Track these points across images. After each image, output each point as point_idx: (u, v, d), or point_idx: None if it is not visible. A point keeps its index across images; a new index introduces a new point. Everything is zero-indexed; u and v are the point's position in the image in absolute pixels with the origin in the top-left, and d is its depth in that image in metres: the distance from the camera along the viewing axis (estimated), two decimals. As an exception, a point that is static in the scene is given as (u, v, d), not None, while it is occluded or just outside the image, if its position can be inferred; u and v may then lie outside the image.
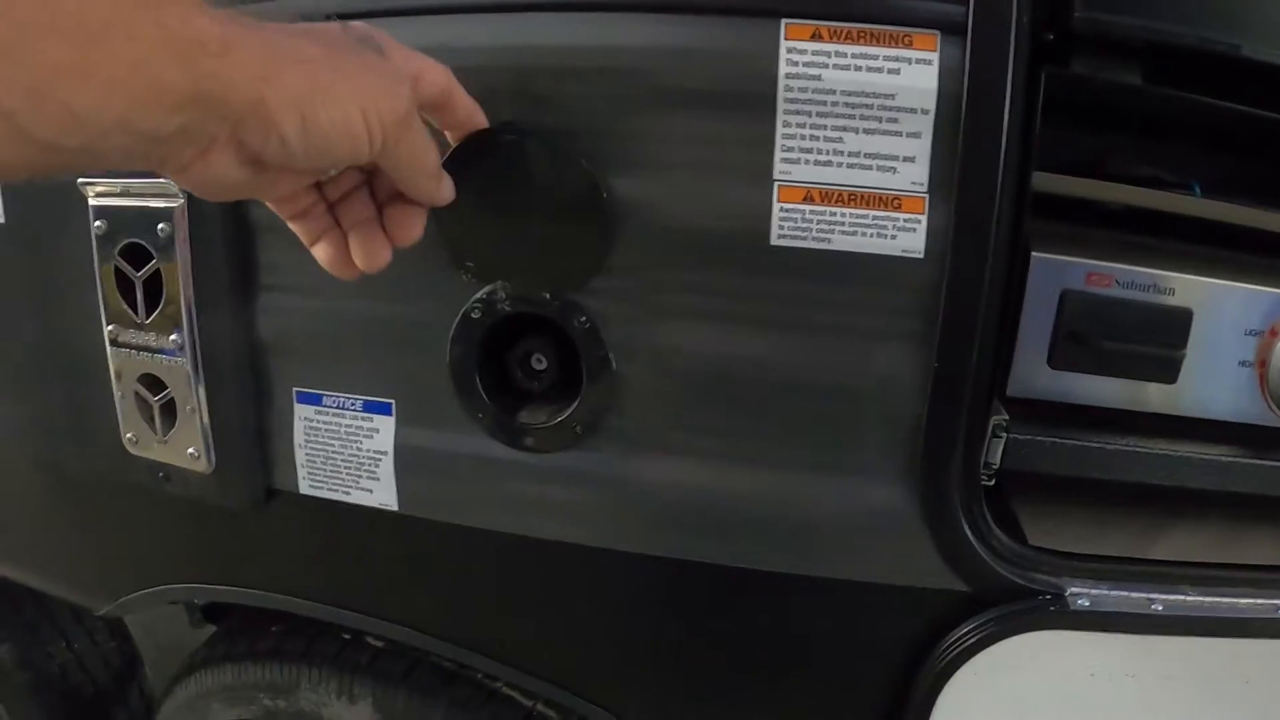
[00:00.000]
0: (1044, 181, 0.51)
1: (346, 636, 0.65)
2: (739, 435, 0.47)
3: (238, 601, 0.62)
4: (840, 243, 0.43)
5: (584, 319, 0.47)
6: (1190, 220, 0.53)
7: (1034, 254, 0.48)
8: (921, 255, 0.42)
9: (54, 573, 0.71)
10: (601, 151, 0.44)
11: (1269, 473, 0.53)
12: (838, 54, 0.42)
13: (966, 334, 0.43)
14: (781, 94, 0.42)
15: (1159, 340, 0.49)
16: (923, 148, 0.42)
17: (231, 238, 0.51)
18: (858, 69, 0.42)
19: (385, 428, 0.52)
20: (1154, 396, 0.51)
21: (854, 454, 0.46)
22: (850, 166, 0.43)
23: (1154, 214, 0.52)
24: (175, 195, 0.51)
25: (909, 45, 0.41)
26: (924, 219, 0.42)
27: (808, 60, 0.42)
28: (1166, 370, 0.50)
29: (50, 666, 0.81)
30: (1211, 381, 0.51)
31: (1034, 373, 0.50)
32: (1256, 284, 0.51)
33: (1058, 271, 0.48)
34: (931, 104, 0.41)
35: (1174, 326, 0.49)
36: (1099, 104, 0.53)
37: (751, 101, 0.42)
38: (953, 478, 0.45)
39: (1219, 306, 0.50)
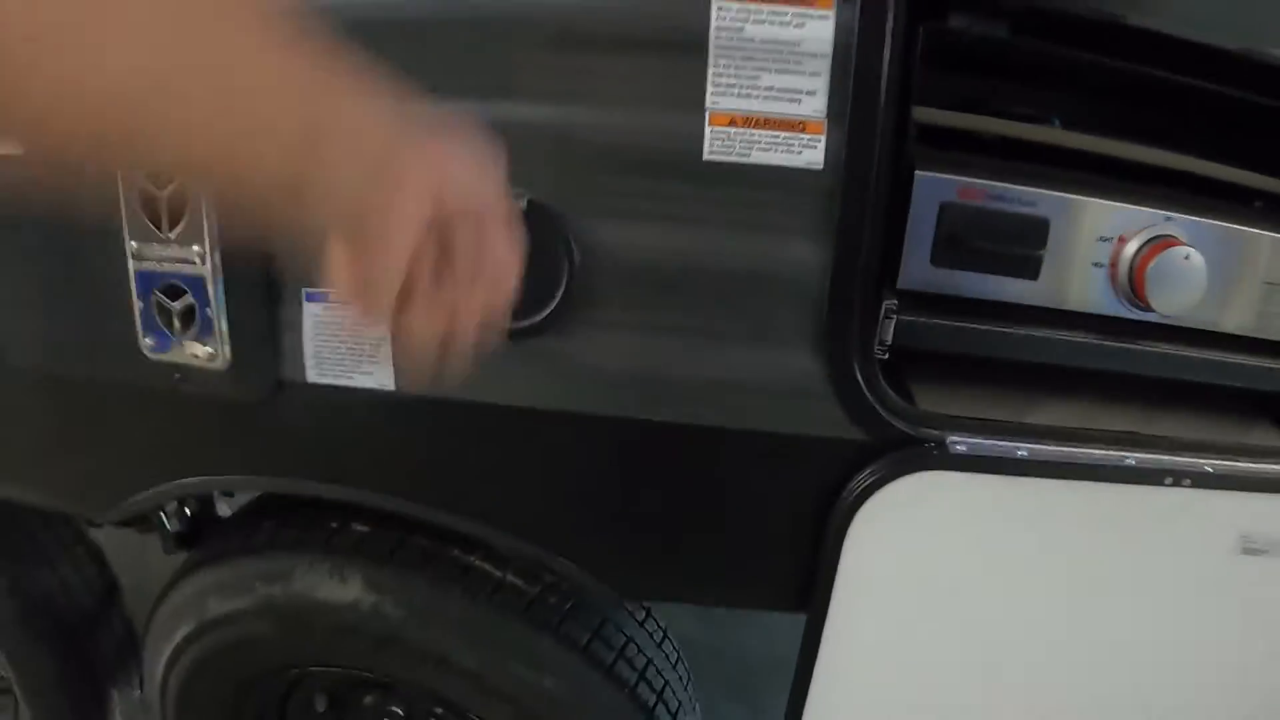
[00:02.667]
0: (933, 116, 0.76)
1: (335, 525, 0.88)
2: (679, 315, 0.71)
3: (247, 490, 0.84)
4: (757, 157, 0.68)
5: (558, 220, 0.71)
6: (1054, 148, 0.79)
7: (917, 172, 0.73)
8: (821, 167, 0.67)
9: (60, 485, 0.93)
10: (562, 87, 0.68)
11: (1120, 353, 0.79)
12: (756, 11, 0.66)
13: (857, 231, 0.68)
14: (713, 42, 0.66)
15: (1021, 243, 0.75)
16: (822, 84, 0.66)
17: None
18: (772, 23, 0.66)
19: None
20: (1023, 291, 0.77)
21: (773, 328, 0.71)
22: (765, 98, 0.67)
23: (1024, 143, 0.78)
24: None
25: (812, 4, 0.66)
26: (823, 139, 0.67)
27: (733, 16, 0.66)
28: (1028, 268, 0.75)
29: (37, 593, 1.02)
30: (1070, 279, 0.77)
31: (921, 270, 0.75)
32: (1107, 199, 0.77)
33: (937, 186, 0.73)
34: (829, 50, 0.66)
35: (1034, 232, 0.74)
36: (978, 52, 0.79)
37: (689, 47, 0.66)
38: (851, 348, 0.70)
39: (1074, 217, 0.76)
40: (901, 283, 0.75)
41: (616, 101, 0.68)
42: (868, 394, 0.70)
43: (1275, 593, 0.82)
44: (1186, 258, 0.74)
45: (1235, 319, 0.81)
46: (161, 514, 0.94)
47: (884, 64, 0.65)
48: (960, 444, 0.72)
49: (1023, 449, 0.72)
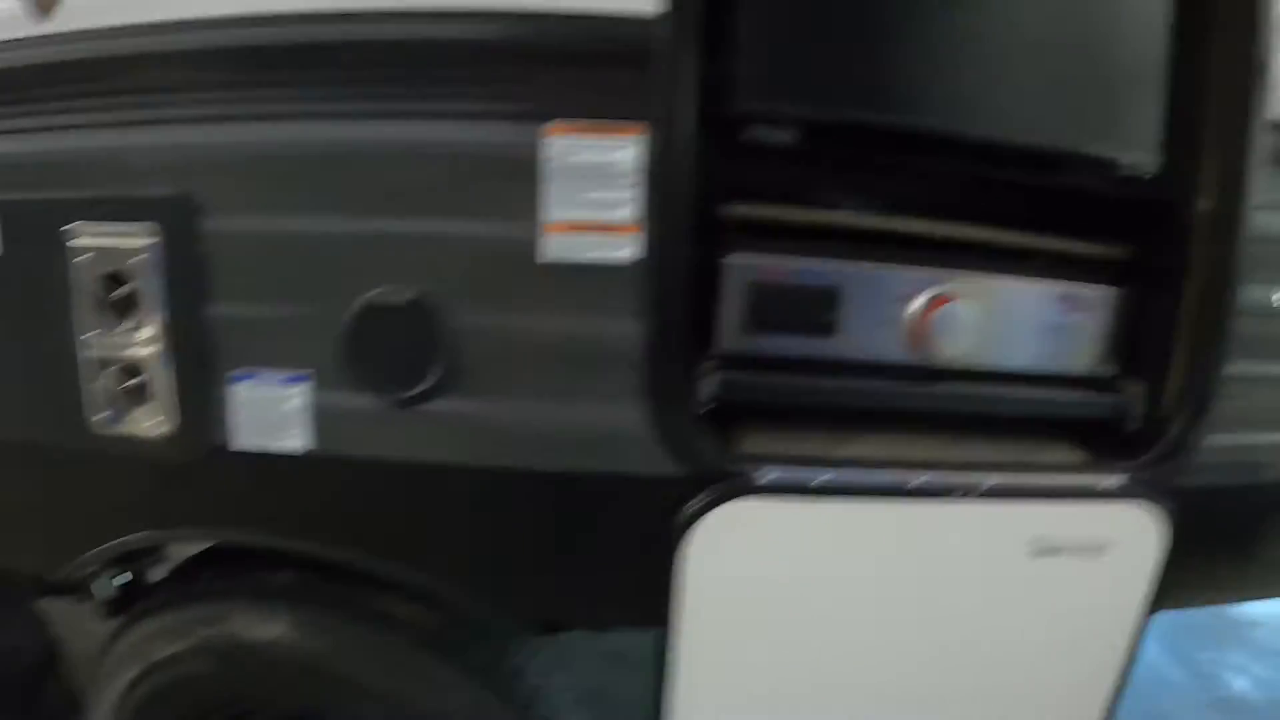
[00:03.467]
0: (745, 210, 1.01)
1: (264, 572, 1.09)
2: (536, 381, 0.94)
3: (187, 542, 1.06)
4: (587, 256, 0.92)
5: (434, 311, 0.93)
6: (849, 228, 1.03)
7: (731, 256, 0.97)
8: (635, 260, 0.91)
9: (19, 546, 1.13)
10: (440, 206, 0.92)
11: (912, 395, 1.02)
12: (579, 142, 0.91)
13: (667, 309, 0.91)
14: (547, 168, 0.91)
15: (818, 309, 0.99)
16: (632, 196, 0.91)
17: (190, 268, 0.97)
18: (592, 150, 0.91)
19: (302, 393, 0.98)
20: (827, 347, 1.00)
21: (608, 389, 0.93)
22: (590, 207, 0.92)
23: (822, 226, 1.03)
24: (147, 237, 0.97)
25: (622, 134, 0.91)
26: (635, 238, 0.91)
27: (562, 147, 0.91)
28: (825, 329, 0.99)
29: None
30: (867, 335, 1.00)
31: (738, 335, 0.99)
32: (891, 266, 1.01)
33: (747, 267, 0.97)
34: (636, 169, 0.90)
35: (826, 299, 0.98)
36: (777, 155, 1.04)
37: (526, 173, 0.91)
38: (672, 402, 0.93)
39: (864, 283, 0.99)
40: (723, 347, 0.98)
41: (479, 215, 0.91)
42: (688, 439, 0.93)
43: (1067, 588, 1.04)
44: (962, 311, 0.98)
45: (1017, 357, 1.05)
46: (97, 581, 1.14)
47: (683, 177, 0.89)
48: (768, 474, 0.94)
49: (822, 476, 0.95)
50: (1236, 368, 1.05)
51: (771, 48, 0.92)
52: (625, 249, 0.90)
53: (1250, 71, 1.01)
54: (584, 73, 0.89)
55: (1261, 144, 1.01)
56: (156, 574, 1.17)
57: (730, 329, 0.96)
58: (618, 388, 0.92)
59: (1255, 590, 1.30)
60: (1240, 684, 2.14)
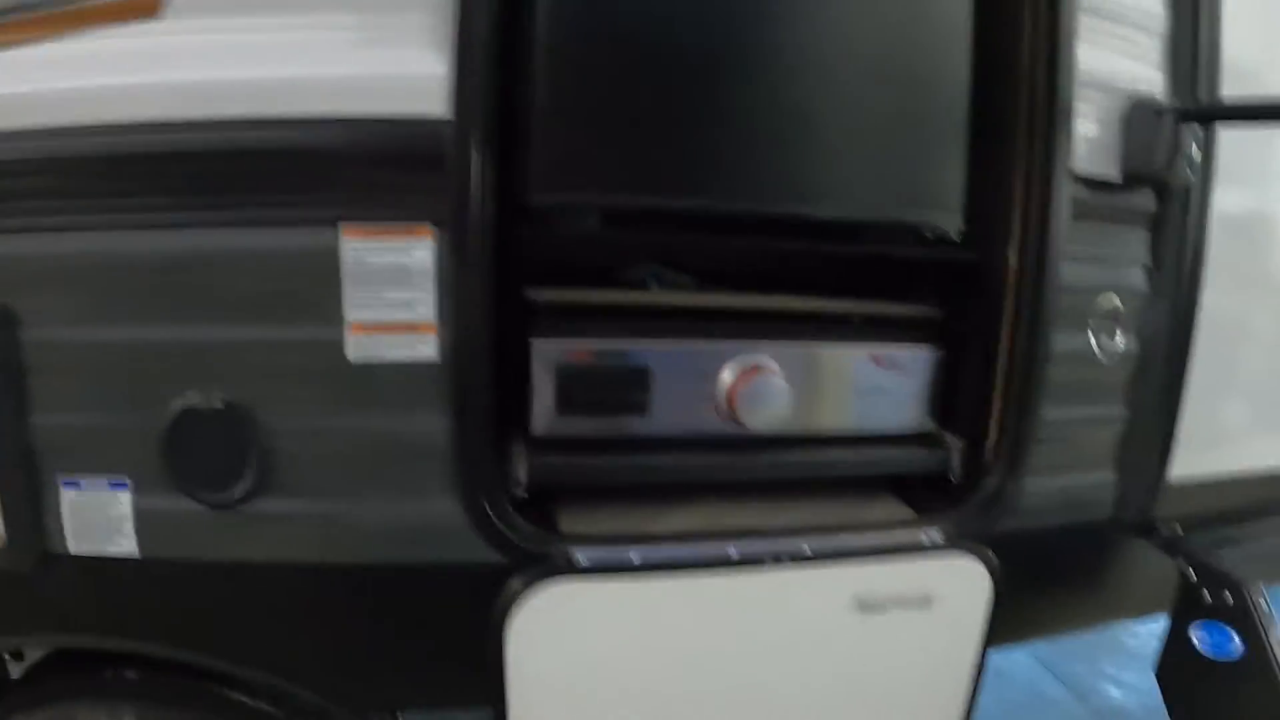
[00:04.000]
0: (552, 295, 1.04)
1: (109, 672, 1.11)
2: (351, 478, 0.97)
3: (32, 647, 1.08)
4: (389, 355, 0.95)
5: (246, 416, 0.96)
6: (658, 306, 1.07)
7: (534, 340, 1.00)
8: (436, 358, 0.94)
9: None
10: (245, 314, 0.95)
11: (729, 466, 1.06)
12: (375, 245, 0.94)
13: (469, 403, 0.94)
14: (345, 272, 0.93)
15: (628, 389, 1.02)
16: (429, 295, 0.94)
17: (10, 379, 0.99)
18: (386, 252, 0.94)
19: (125, 499, 1.00)
20: (642, 425, 1.04)
21: (421, 482, 0.97)
22: (390, 307, 0.94)
23: (629, 306, 1.06)
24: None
25: (415, 235, 0.94)
26: (434, 336, 0.94)
27: (358, 250, 0.94)
28: (638, 408, 1.02)
29: None
30: (680, 411, 1.04)
31: (551, 418, 1.02)
32: (699, 342, 1.04)
33: (554, 350, 1.01)
34: (432, 269, 0.93)
35: (638, 378, 1.02)
36: (586, 239, 1.07)
37: (329, 276, 0.93)
38: (482, 492, 0.97)
39: (673, 360, 1.03)
40: (536, 430, 1.01)
41: (288, 319, 0.94)
42: (503, 526, 0.96)
43: (898, 642, 1.08)
44: (770, 381, 1.02)
45: (835, 420, 1.09)
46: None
47: (477, 273, 0.92)
48: (583, 556, 0.98)
49: (637, 554, 0.98)
50: (1054, 413, 1.09)
51: (565, 140, 0.96)
52: (427, 347, 0.92)
53: (1052, 124, 1.05)
54: (378, 175, 0.93)
55: (1064, 196, 1.05)
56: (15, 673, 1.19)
57: (542, 412, 1.00)
58: (432, 481, 0.95)
59: (1084, 620, 1.35)
60: (1116, 694, 2.20)
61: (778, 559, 1.01)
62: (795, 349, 1.06)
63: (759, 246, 1.09)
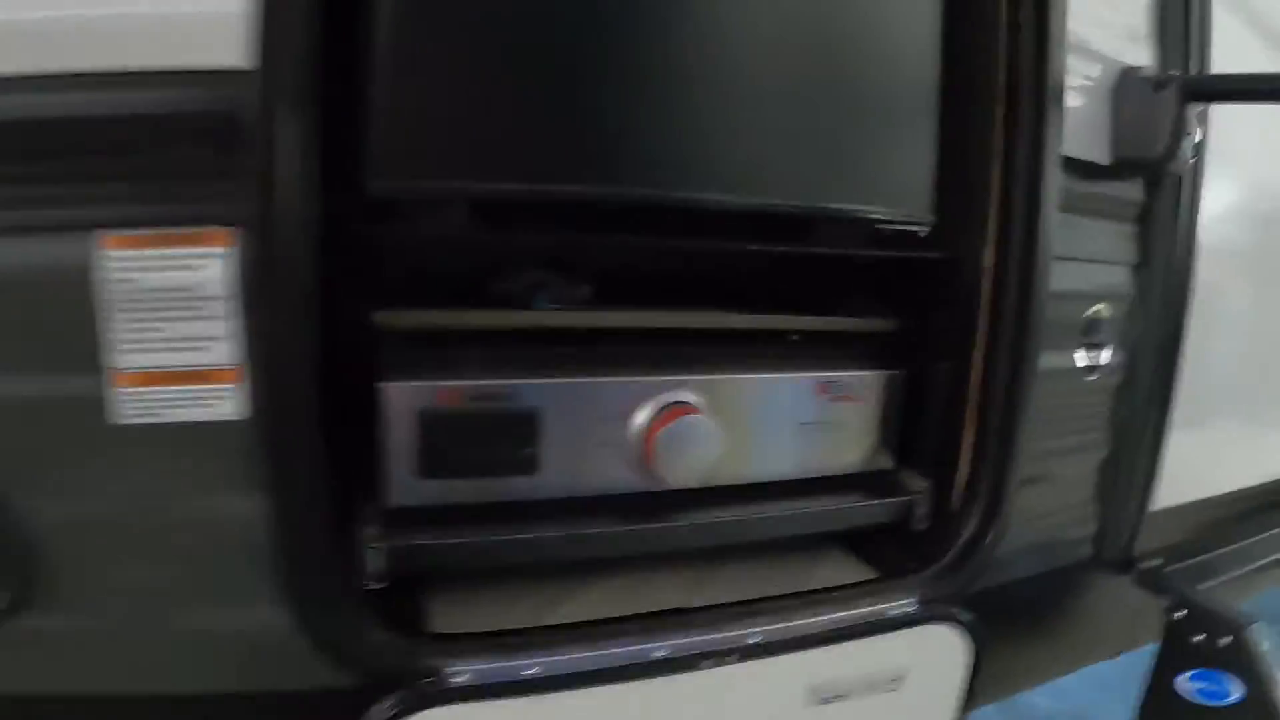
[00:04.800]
0: (405, 319, 0.78)
1: None
2: (139, 581, 0.70)
3: None
4: (174, 414, 0.67)
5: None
6: (547, 331, 0.82)
7: (385, 384, 0.74)
8: (240, 417, 0.67)
9: None
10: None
11: (645, 534, 0.82)
12: (149, 258, 0.66)
13: (293, 475, 0.68)
14: (107, 295, 0.65)
15: (513, 441, 0.77)
16: (228, 328, 0.66)
17: None
18: (167, 269, 0.66)
19: None
20: (529, 486, 0.79)
21: (239, 584, 0.70)
22: (172, 350, 0.67)
23: (511, 331, 0.81)
24: None
25: (208, 244, 0.66)
26: (237, 386, 0.67)
27: (125, 266, 0.65)
28: (525, 465, 0.78)
29: None
30: (579, 466, 0.80)
31: (412, 484, 0.76)
32: (603, 376, 0.80)
33: (411, 394, 0.75)
34: (230, 291, 0.66)
35: (524, 427, 0.77)
36: (450, 243, 0.81)
37: (83, 304, 0.65)
38: (318, 592, 0.70)
39: (569, 401, 0.79)
40: (392, 500, 0.75)
41: (28, 369, 0.65)
42: (349, 638, 0.70)
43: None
44: (695, 423, 0.78)
45: (774, 466, 0.86)
46: None
47: (296, 292, 0.65)
48: (461, 673, 0.73)
49: (533, 665, 0.74)
50: (1035, 444, 0.90)
51: (416, 109, 0.70)
52: (226, 402, 0.65)
53: (1040, 96, 0.84)
54: (149, 157, 0.65)
55: (1053, 183, 0.84)
56: None
57: (399, 477, 0.74)
58: (249, 583, 0.70)
59: (1059, 668, 1.18)
60: (1041, 700, 2.10)
61: (714, 656, 0.79)
62: (724, 380, 0.84)
63: (674, 248, 0.87)
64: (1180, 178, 0.97)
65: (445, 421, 0.75)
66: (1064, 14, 0.87)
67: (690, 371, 0.83)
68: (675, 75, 0.76)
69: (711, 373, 0.84)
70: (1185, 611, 1.03)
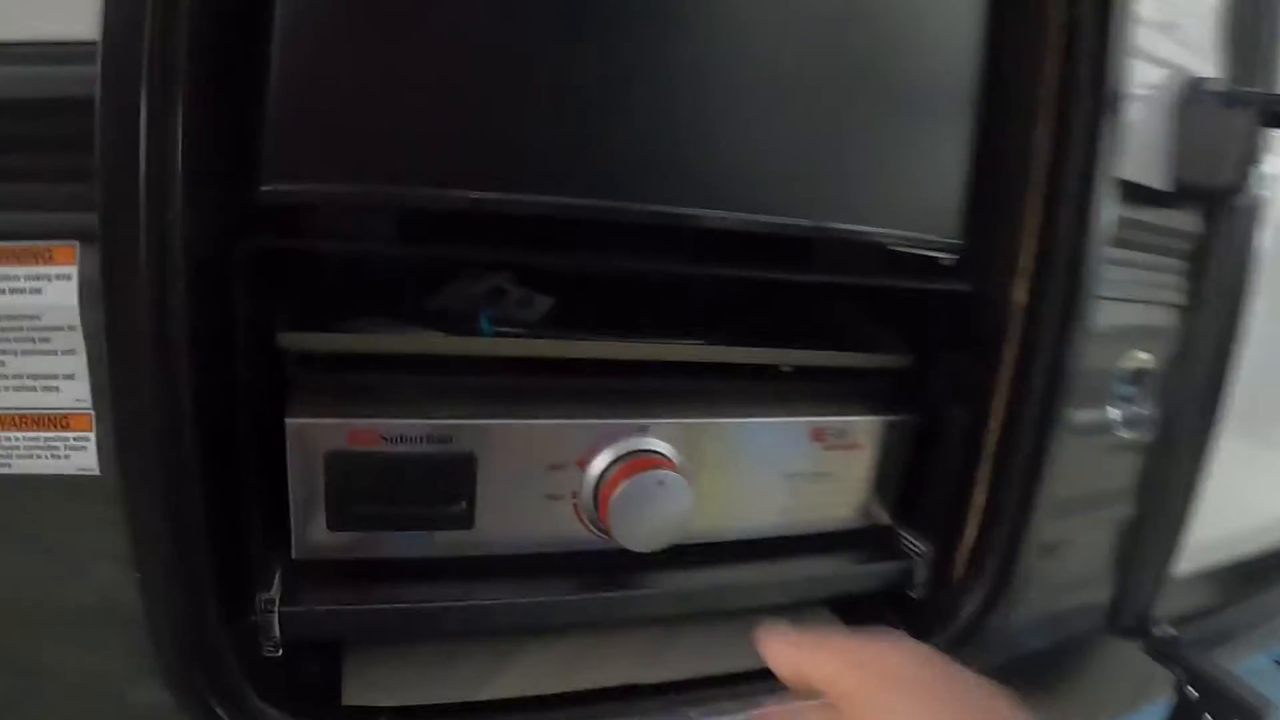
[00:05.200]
0: (316, 342, 0.65)
1: None
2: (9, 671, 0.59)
3: None
4: (21, 466, 0.55)
5: None
6: (494, 357, 0.69)
7: (289, 420, 0.62)
8: (98, 471, 0.55)
9: None
10: None
11: (599, 604, 0.71)
12: (-18, 274, 0.53)
13: (161, 537, 0.56)
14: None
15: (443, 490, 0.65)
16: (80, 364, 0.54)
17: None
18: (2, 292, 0.53)
19: None
20: (462, 541, 0.67)
21: (112, 664, 0.59)
22: (16, 390, 0.54)
23: (448, 356, 0.68)
24: None
25: (49, 261, 0.53)
26: (92, 436, 0.55)
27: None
28: (458, 519, 0.66)
29: None
30: (521, 521, 0.68)
31: (320, 536, 0.64)
32: (554, 417, 0.67)
33: (318, 435, 0.62)
34: (77, 320, 0.53)
35: (455, 474, 0.65)
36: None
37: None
38: (201, 677, 0.59)
39: (510, 444, 0.66)
40: (297, 555, 0.63)
41: None
42: (232, 715, 0.59)
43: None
44: (662, 480, 0.66)
45: (753, 522, 0.75)
46: None
47: (161, 322, 0.53)
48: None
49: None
50: (1057, 510, 0.78)
51: (319, 92, 0.56)
52: (83, 453, 0.53)
53: (1098, 107, 0.71)
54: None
55: (1104, 213, 0.71)
56: None
57: (305, 529, 0.62)
58: (124, 662, 0.59)
59: None
60: None
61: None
62: (700, 425, 0.71)
63: (642, 270, 0.74)
64: (1242, 211, 0.83)
65: (356, 466, 0.63)
66: (1129, 12, 0.73)
67: (659, 412, 0.71)
68: (651, 62, 0.62)
69: (685, 414, 0.72)
70: (1200, 691, 0.93)
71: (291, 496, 0.63)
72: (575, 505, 0.69)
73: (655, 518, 0.67)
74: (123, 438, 0.54)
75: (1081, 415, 0.80)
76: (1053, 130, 0.74)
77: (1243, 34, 0.83)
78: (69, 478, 0.55)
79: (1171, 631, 0.95)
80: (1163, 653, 0.95)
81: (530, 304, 0.76)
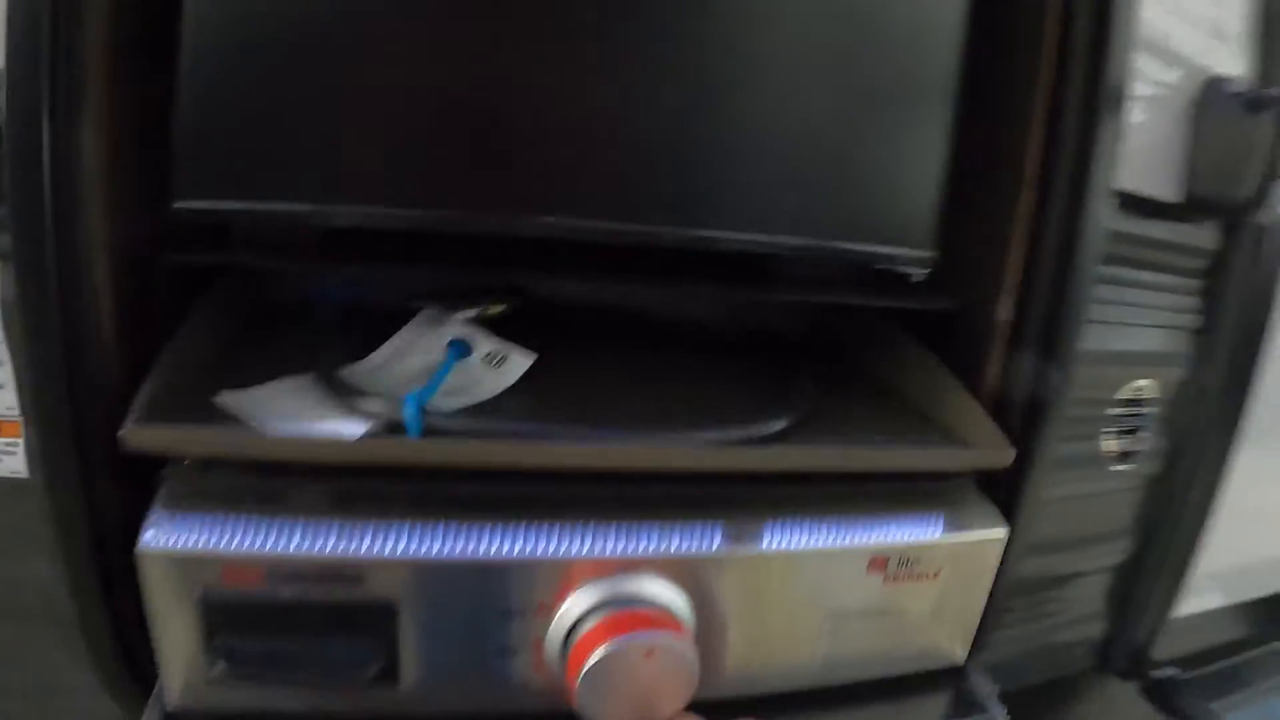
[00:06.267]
0: (146, 437, 0.53)
1: None
2: None
3: None
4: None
5: None
6: (410, 464, 0.53)
7: (142, 547, 0.49)
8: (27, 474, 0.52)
9: None
10: None
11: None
12: None
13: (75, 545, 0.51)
14: None
15: (352, 647, 0.52)
16: (8, 374, 0.51)
17: None
18: None
19: None
20: (385, 698, 0.53)
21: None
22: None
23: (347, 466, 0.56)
24: None
25: None
26: (21, 441, 0.52)
27: None
28: (375, 679, 0.52)
29: None
30: (463, 678, 0.54)
31: (200, 686, 0.53)
32: (508, 549, 0.52)
33: (183, 569, 0.51)
34: (2, 333, 0.50)
35: (372, 628, 0.51)
36: None
37: None
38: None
39: (446, 589, 0.52)
40: (175, 703, 0.53)
41: None
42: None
43: None
44: (650, 652, 0.50)
45: (780, 682, 0.61)
46: None
47: (84, 329, 0.49)
48: None
49: None
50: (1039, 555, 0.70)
51: (228, 93, 0.53)
52: (13, 457, 0.54)
53: (1092, 112, 0.62)
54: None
55: (1098, 226, 0.61)
56: None
57: (183, 679, 0.51)
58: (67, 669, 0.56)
59: None
60: None
61: None
62: (709, 559, 0.55)
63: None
64: (1264, 227, 0.73)
65: (234, 614, 0.52)
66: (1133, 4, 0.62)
67: (655, 537, 0.54)
68: (575, 72, 0.54)
69: (691, 539, 0.55)
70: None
71: (155, 641, 0.52)
72: (538, 657, 0.54)
73: (640, 698, 0.50)
74: (43, 444, 0.50)
75: (1071, 448, 0.71)
76: (1044, 134, 0.64)
77: (1274, 26, 0.72)
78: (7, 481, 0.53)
79: (1174, 673, 0.88)
80: (1161, 698, 0.88)
81: (503, 364, 0.63)
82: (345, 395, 0.57)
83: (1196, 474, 0.80)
